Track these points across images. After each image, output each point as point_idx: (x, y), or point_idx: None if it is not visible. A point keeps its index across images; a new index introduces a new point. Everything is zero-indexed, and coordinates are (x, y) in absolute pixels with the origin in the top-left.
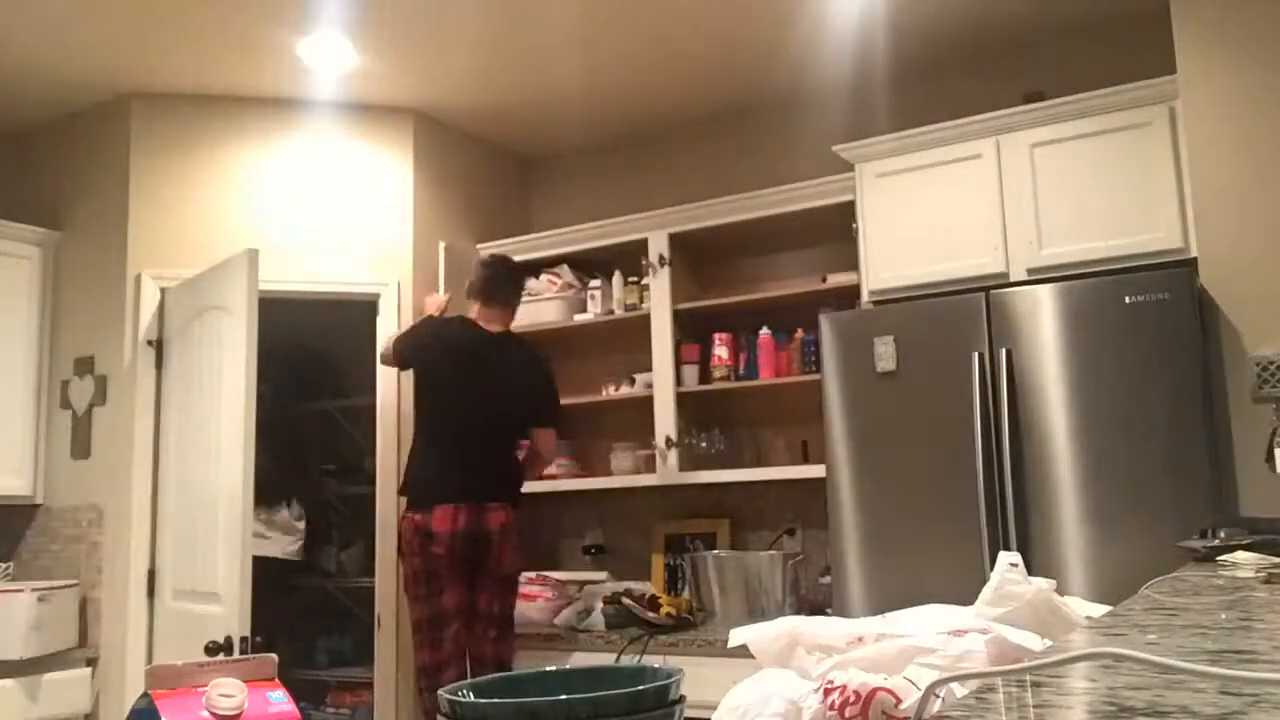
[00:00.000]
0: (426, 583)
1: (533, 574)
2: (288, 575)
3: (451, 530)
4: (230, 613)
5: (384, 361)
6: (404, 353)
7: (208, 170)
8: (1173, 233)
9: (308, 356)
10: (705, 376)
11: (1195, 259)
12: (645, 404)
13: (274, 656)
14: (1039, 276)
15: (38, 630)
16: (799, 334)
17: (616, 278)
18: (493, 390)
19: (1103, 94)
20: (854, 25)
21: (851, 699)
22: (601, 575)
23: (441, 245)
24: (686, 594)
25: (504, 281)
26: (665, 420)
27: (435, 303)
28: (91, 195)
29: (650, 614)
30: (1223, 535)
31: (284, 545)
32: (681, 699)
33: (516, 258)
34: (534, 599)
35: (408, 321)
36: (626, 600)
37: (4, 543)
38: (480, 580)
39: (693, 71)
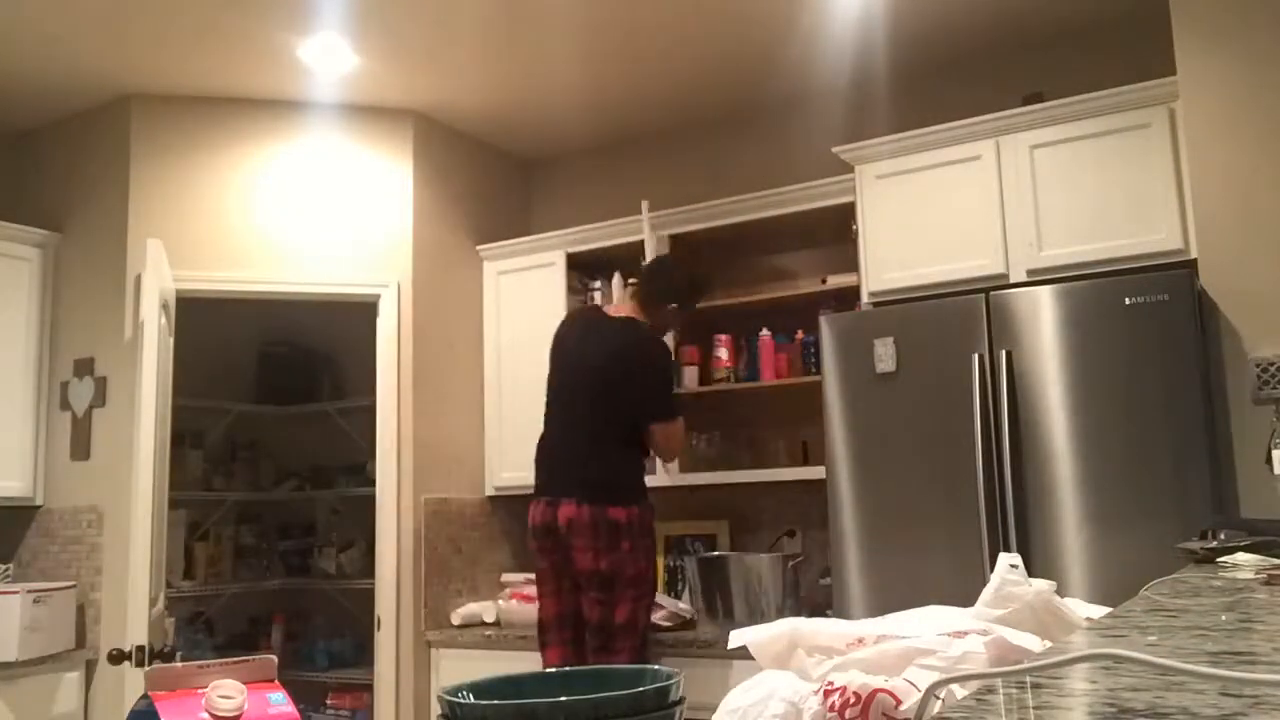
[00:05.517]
0: (536, 584)
1: (532, 575)
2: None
3: (533, 524)
4: None
5: None
6: None
7: (208, 171)
8: (1173, 234)
9: (308, 357)
10: (706, 378)
11: (1195, 260)
12: None
13: (274, 658)
14: (1039, 278)
15: (33, 632)
16: (799, 335)
17: (616, 278)
18: (576, 365)
19: (1102, 95)
20: (854, 26)
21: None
22: None
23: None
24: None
25: (645, 274)
26: None
27: None
28: (91, 195)
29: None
30: (1222, 537)
31: None
32: (681, 700)
33: (516, 258)
34: (533, 600)
35: (407, 323)
36: None
37: (3, 544)
38: (574, 584)
39: (693, 72)
